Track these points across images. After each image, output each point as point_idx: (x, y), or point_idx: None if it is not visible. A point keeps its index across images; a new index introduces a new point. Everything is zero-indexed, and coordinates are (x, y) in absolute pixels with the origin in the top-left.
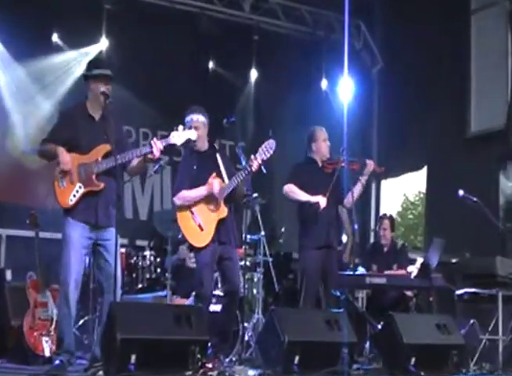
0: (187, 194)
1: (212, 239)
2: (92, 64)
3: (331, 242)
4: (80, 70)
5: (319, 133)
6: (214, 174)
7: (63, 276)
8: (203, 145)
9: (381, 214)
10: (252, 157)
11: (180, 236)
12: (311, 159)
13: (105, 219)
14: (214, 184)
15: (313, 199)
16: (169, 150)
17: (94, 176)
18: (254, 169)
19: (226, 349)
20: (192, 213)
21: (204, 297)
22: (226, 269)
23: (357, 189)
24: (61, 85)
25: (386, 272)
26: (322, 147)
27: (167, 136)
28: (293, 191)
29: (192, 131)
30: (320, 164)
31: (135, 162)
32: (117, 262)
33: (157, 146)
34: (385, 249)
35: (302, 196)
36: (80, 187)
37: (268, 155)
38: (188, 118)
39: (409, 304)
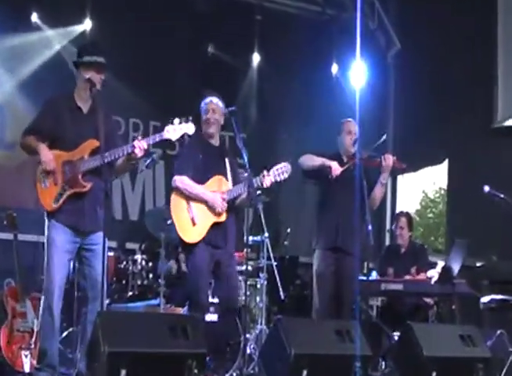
0: (189, 184)
1: (204, 240)
2: (84, 50)
3: (343, 245)
4: (53, 50)
5: (344, 125)
6: (219, 176)
7: (46, 284)
8: (216, 135)
9: (397, 211)
10: (265, 172)
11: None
12: (337, 153)
13: (92, 224)
14: (217, 199)
15: (327, 162)
16: (162, 142)
17: (80, 176)
18: (265, 185)
19: (223, 365)
20: (188, 204)
21: (201, 305)
22: (224, 279)
23: (377, 190)
24: (27, 66)
25: (406, 278)
26: (344, 140)
27: (161, 131)
28: (310, 157)
29: (189, 124)
30: (345, 160)
31: (120, 161)
32: (105, 268)
33: (141, 146)
34: (402, 250)
35: (317, 160)
36: (64, 189)
37: (282, 178)
38: (207, 100)
39: (428, 313)
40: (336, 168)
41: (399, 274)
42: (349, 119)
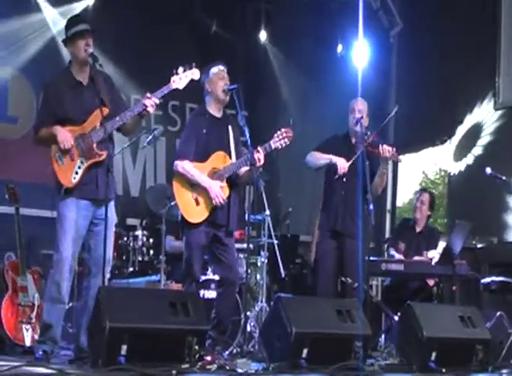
0: (189, 170)
1: (208, 220)
2: (68, 26)
3: (342, 229)
4: (53, 31)
5: (351, 105)
6: (221, 152)
7: (56, 260)
8: (222, 103)
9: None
10: (259, 148)
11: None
12: (346, 133)
13: (104, 191)
14: (215, 188)
15: (334, 159)
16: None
17: (95, 145)
18: (259, 160)
19: (224, 342)
20: (192, 185)
21: (193, 277)
22: (223, 254)
23: (378, 180)
24: (27, 49)
25: (415, 258)
26: (350, 120)
27: (168, 83)
28: (315, 156)
29: (194, 70)
30: (354, 141)
31: (128, 120)
32: (110, 242)
33: (152, 103)
34: (417, 229)
35: (323, 159)
36: (82, 162)
37: (284, 145)
38: (213, 69)
39: (432, 294)
40: (342, 166)
41: (409, 252)
42: (359, 98)
